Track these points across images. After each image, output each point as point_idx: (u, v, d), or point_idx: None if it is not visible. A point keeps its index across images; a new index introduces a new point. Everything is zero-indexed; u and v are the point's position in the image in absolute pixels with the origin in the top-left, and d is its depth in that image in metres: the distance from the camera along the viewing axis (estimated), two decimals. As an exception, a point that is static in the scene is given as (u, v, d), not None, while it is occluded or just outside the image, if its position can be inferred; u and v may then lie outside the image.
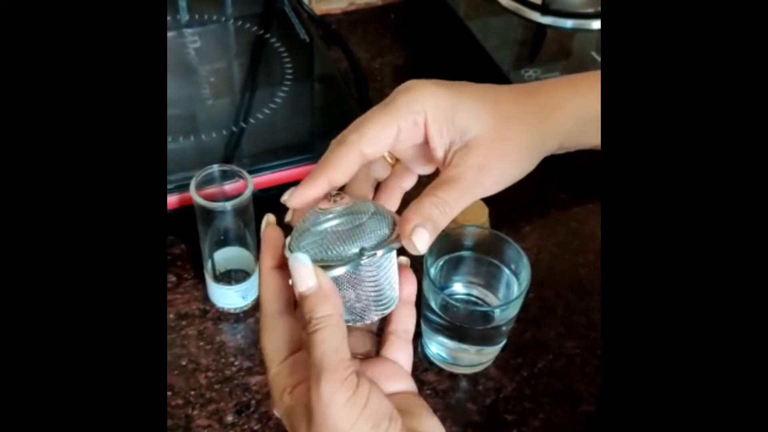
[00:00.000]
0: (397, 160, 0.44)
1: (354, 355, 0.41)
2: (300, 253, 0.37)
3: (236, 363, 0.62)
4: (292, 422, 0.37)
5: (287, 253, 0.38)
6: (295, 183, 0.64)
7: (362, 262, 0.38)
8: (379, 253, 0.38)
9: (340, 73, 0.82)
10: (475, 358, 0.62)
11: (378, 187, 0.44)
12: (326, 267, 0.37)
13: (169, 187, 0.65)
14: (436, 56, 0.92)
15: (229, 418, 0.59)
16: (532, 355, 0.64)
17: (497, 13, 0.87)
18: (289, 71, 0.79)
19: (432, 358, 0.63)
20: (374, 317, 0.40)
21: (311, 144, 0.73)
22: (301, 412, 0.36)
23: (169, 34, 0.83)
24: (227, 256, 0.64)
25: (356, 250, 0.37)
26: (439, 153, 0.41)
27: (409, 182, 0.44)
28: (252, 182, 0.61)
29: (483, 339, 0.60)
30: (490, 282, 0.63)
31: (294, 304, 0.40)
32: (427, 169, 0.44)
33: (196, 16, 0.85)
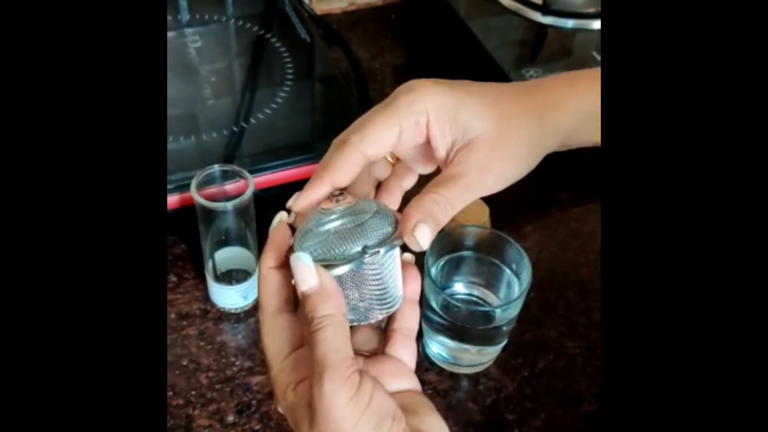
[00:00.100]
0: (397, 159, 0.44)
1: (360, 353, 0.41)
2: (302, 253, 0.37)
3: (237, 363, 0.62)
4: (295, 419, 0.37)
5: (291, 254, 0.38)
6: (295, 183, 0.65)
7: (365, 260, 0.38)
8: (382, 250, 0.38)
9: (341, 72, 0.82)
10: (476, 358, 0.62)
11: (378, 186, 0.44)
12: (329, 266, 0.37)
13: (169, 187, 0.65)
14: (436, 56, 0.92)
15: (230, 418, 0.59)
16: (533, 355, 0.64)
17: (498, 13, 0.87)
18: (290, 71, 0.79)
19: (433, 358, 0.63)
20: (378, 316, 0.40)
21: (312, 144, 0.73)
22: (303, 410, 0.36)
23: (170, 33, 0.83)
24: (228, 256, 0.64)
25: (359, 248, 0.37)
26: (441, 152, 0.41)
27: (409, 182, 0.45)
28: (253, 182, 0.61)
29: (484, 339, 0.60)
30: (491, 282, 0.63)
31: (294, 303, 0.40)
32: (427, 169, 0.44)
33: (197, 16, 0.85)
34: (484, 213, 0.65)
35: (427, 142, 0.41)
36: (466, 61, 0.86)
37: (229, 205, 0.59)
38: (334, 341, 0.36)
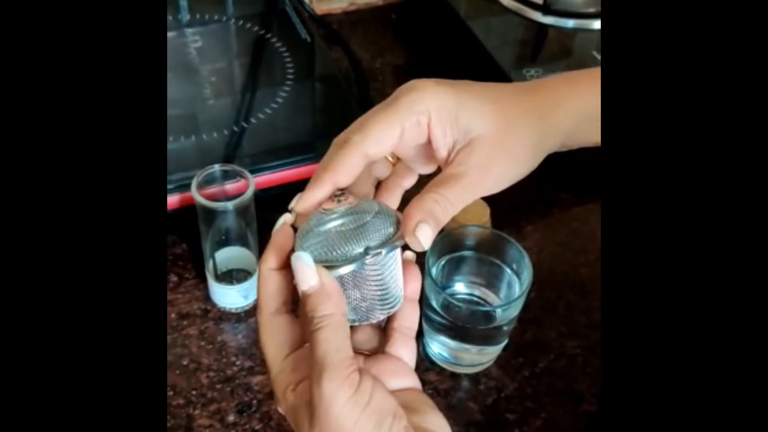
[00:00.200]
0: (398, 159, 0.44)
1: (360, 352, 0.41)
2: (302, 252, 0.37)
3: (237, 363, 0.62)
4: (296, 419, 0.37)
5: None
6: (296, 183, 0.65)
7: (367, 261, 0.38)
8: (384, 251, 0.38)
9: (341, 72, 0.82)
10: (476, 357, 0.62)
11: (378, 186, 0.44)
12: (331, 267, 0.37)
13: (170, 186, 0.65)
14: (437, 56, 0.92)
15: (231, 418, 0.59)
16: (533, 355, 0.64)
17: (498, 13, 0.87)
18: (290, 71, 0.79)
19: (433, 358, 0.63)
20: (380, 316, 0.40)
21: (312, 144, 0.73)
22: (304, 410, 0.36)
23: (170, 33, 0.83)
24: (228, 255, 0.64)
25: (361, 249, 0.37)
26: (442, 153, 0.41)
27: (409, 181, 0.44)
28: (253, 182, 0.61)
29: (484, 339, 0.60)
30: (492, 282, 0.63)
31: (293, 304, 0.40)
32: (428, 169, 0.44)
33: (197, 16, 0.85)
34: (484, 213, 0.65)
35: (428, 142, 0.41)
36: (467, 61, 0.86)
37: (230, 205, 0.59)
38: (334, 341, 0.36)
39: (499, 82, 0.44)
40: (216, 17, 0.85)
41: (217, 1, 0.87)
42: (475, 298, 0.64)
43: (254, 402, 0.60)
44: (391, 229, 0.38)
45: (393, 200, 0.44)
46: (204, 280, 0.66)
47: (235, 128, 0.72)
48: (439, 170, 0.42)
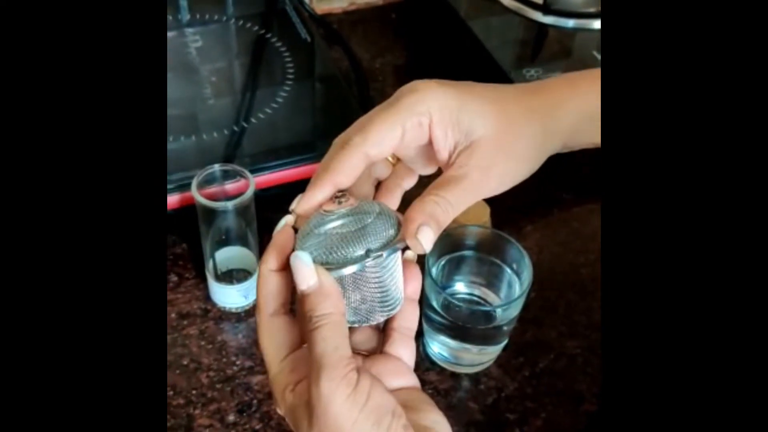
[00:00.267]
0: (398, 159, 0.43)
1: (358, 352, 0.41)
2: (301, 252, 0.37)
3: (238, 362, 0.62)
4: (295, 420, 0.37)
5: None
6: (296, 183, 0.64)
7: (367, 263, 0.37)
8: (385, 254, 0.38)
9: (341, 72, 0.82)
10: (476, 357, 0.62)
11: (378, 186, 0.44)
12: (331, 268, 0.37)
13: (170, 186, 0.65)
14: (437, 56, 0.92)
15: (231, 418, 0.59)
16: (533, 355, 0.64)
17: (498, 13, 0.87)
18: (290, 71, 0.79)
19: (434, 358, 0.63)
20: (380, 318, 0.40)
21: (312, 143, 0.73)
22: (302, 410, 0.36)
23: (170, 33, 0.83)
24: (228, 255, 0.64)
25: (362, 251, 0.37)
26: (444, 154, 0.41)
27: (409, 182, 0.44)
28: (254, 181, 0.61)
29: (485, 338, 0.60)
30: (492, 281, 0.63)
31: (291, 305, 0.40)
32: (428, 170, 0.44)
33: (197, 16, 0.85)
34: (485, 213, 0.65)
35: (429, 143, 0.41)
36: (467, 61, 0.86)
37: (230, 205, 0.59)
38: (333, 340, 0.35)
39: (499, 82, 0.44)
40: (216, 17, 0.85)
41: (217, 1, 0.87)
42: (475, 298, 0.64)
43: (254, 402, 0.60)
44: (392, 231, 0.38)
45: (393, 201, 0.44)
46: (204, 279, 0.66)
47: (235, 128, 0.72)
48: (439, 171, 0.42)
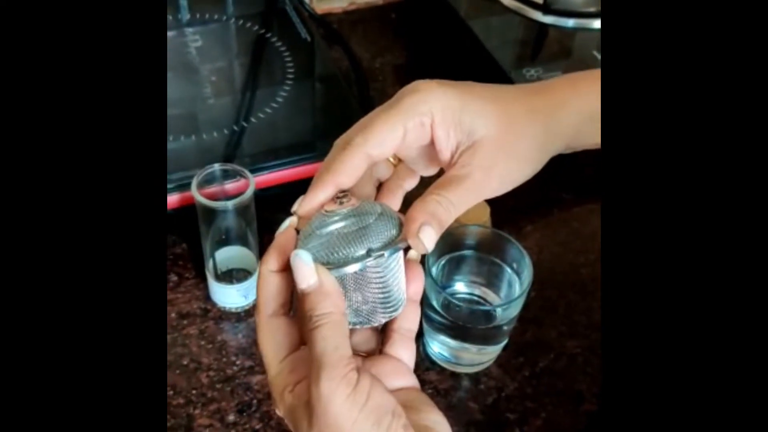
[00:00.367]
0: (399, 160, 0.43)
1: (358, 353, 0.41)
2: (301, 251, 0.37)
3: (238, 362, 0.62)
4: (294, 421, 0.37)
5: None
6: (296, 182, 0.64)
7: (369, 263, 0.37)
8: (386, 254, 0.37)
9: (341, 72, 0.82)
10: (476, 357, 0.62)
11: (380, 187, 0.44)
12: (332, 268, 0.37)
13: (170, 186, 0.65)
14: (437, 56, 0.92)
15: (231, 418, 0.59)
16: (533, 355, 0.64)
17: (498, 13, 0.87)
18: (290, 70, 0.79)
19: (434, 357, 0.63)
20: (381, 320, 0.40)
21: (312, 143, 0.73)
22: (302, 410, 0.36)
23: (170, 33, 0.83)
24: (228, 255, 0.64)
25: (363, 251, 0.37)
26: (446, 154, 0.41)
27: (411, 183, 0.44)
28: (254, 181, 0.61)
29: (485, 338, 0.60)
30: (492, 281, 0.63)
31: (291, 306, 0.40)
32: (430, 171, 0.44)
33: (197, 15, 0.85)
34: (485, 212, 0.65)
35: (431, 144, 0.41)
36: (467, 60, 0.86)
37: (230, 205, 0.59)
38: (333, 339, 0.35)
39: (500, 82, 0.44)
40: (216, 17, 0.85)
41: (217, 0, 0.87)
42: (475, 298, 0.64)
43: (254, 401, 0.60)
44: (393, 232, 0.38)
45: (394, 202, 0.44)
46: (204, 279, 0.66)
47: (235, 128, 0.72)
48: (441, 172, 0.42)
